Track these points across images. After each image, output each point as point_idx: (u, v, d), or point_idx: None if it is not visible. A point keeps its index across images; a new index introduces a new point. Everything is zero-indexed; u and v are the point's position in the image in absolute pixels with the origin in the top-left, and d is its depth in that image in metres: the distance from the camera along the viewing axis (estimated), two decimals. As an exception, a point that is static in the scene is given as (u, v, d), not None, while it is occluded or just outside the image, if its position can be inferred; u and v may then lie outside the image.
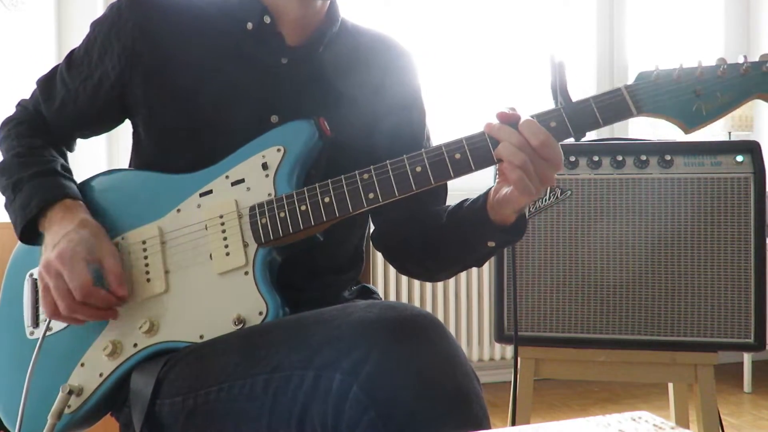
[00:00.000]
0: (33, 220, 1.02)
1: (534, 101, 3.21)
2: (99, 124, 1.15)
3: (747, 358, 3.02)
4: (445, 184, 1.17)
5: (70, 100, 1.10)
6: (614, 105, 0.92)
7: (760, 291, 1.48)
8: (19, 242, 1.11)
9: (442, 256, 1.09)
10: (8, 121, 1.15)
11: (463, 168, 0.92)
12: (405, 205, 1.03)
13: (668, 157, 1.52)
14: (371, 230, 1.20)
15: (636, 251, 1.52)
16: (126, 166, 1.16)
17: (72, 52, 1.13)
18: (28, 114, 1.15)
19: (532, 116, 0.92)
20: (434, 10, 3.16)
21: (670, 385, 1.78)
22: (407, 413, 0.72)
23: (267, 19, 1.05)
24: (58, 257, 0.94)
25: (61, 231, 0.97)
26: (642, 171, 1.53)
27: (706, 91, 0.92)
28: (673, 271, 1.51)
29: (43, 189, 1.02)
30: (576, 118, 0.92)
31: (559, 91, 0.93)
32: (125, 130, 1.17)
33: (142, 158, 1.12)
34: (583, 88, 3.27)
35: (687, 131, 0.93)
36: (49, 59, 2.34)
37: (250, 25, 1.05)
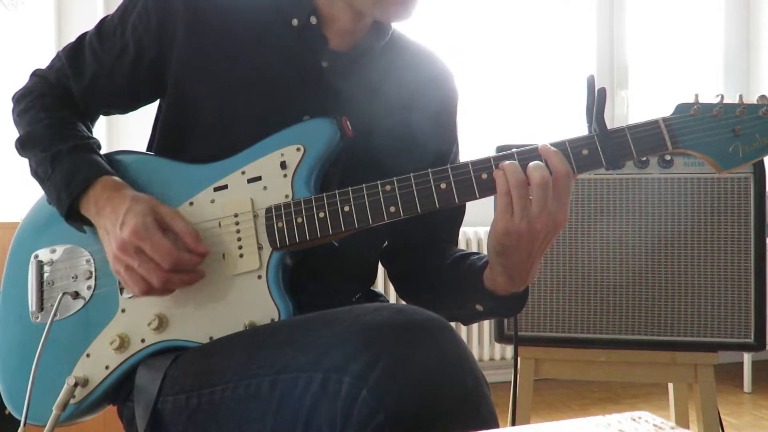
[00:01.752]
0: (78, 197, 0.97)
1: (534, 101, 3.21)
2: (132, 101, 1.10)
3: (747, 358, 3.02)
4: (461, 217, 1.16)
5: (104, 75, 1.05)
6: (650, 138, 0.89)
7: (760, 291, 1.48)
8: (24, 220, 1.09)
9: (435, 298, 1.06)
10: (27, 92, 1.08)
11: (489, 189, 0.89)
12: (420, 230, 1.02)
13: (668, 157, 1.52)
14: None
15: (636, 251, 1.52)
16: (124, 143, 1.12)
17: (104, 20, 1.07)
18: (49, 86, 1.08)
19: (565, 140, 0.90)
20: (434, 9, 3.16)
21: (670, 385, 1.79)
22: (416, 417, 0.72)
23: (313, 20, 1.02)
24: (133, 234, 0.90)
25: (120, 208, 0.93)
26: (642, 171, 1.53)
27: (746, 131, 0.88)
28: (673, 271, 1.51)
29: (86, 165, 0.98)
30: (609, 148, 0.89)
31: (595, 118, 0.90)
32: (126, 116, 1.13)
33: (166, 142, 1.07)
34: (582, 87, 3.27)
35: (721, 172, 0.90)
36: (48, 59, 2.33)
37: (295, 22, 1.02)
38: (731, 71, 3.40)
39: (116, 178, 0.98)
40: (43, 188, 1.02)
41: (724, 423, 1.56)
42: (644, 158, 0.83)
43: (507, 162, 0.88)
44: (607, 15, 3.34)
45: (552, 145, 0.89)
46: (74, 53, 1.08)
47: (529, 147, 0.90)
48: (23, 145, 1.04)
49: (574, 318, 1.54)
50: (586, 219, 1.54)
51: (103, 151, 1.07)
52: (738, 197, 1.50)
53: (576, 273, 1.54)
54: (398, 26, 1.13)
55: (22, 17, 2.44)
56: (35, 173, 1.03)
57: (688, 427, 1.73)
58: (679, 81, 3.31)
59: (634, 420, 0.56)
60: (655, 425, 0.55)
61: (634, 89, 3.27)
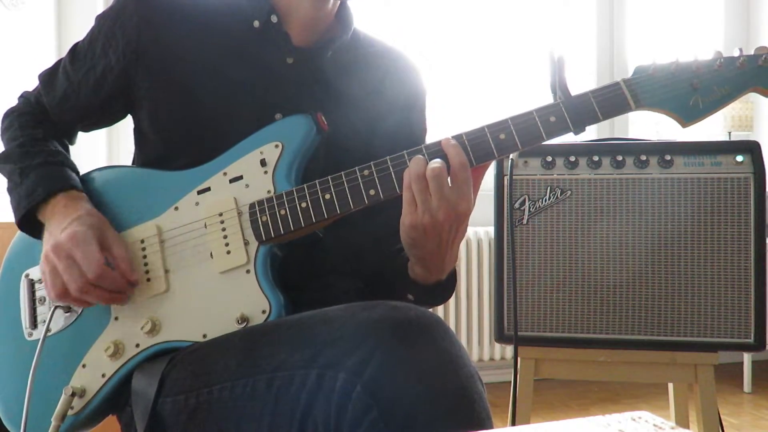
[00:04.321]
0: (35, 208, 1.01)
1: (534, 100, 3.21)
2: (101, 117, 1.14)
3: (747, 358, 3.02)
4: None
5: (73, 93, 1.10)
6: (613, 99, 0.92)
7: (760, 291, 1.48)
8: (12, 242, 1.10)
9: (378, 288, 1.09)
10: (11, 112, 1.15)
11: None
12: (379, 226, 1.05)
13: (668, 157, 1.52)
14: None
15: (636, 251, 1.52)
16: (125, 161, 1.15)
17: (76, 45, 1.12)
18: (30, 105, 1.14)
19: (532, 110, 0.93)
20: (434, 9, 3.16)
21: (670, 385, 1.78)
22: (410, 413, 0.72)
23: (274, 18, 1.04)
24: (69, 239, 0.94)
25: (69, 216, 0.97)
26: (642, 171, 1.53)
27: (703, 84, 0.92)
28: (673, 271, 1.51)
29: (50, 177, 1.02)
30: (575, 112, 0.92)
31: (558, 85, 0.93)
32: (126, 125, 1.16)
33: (144, 155, 1.11)
34: (583, 87, 3.27)
35: (684, 125, 0.93)
36: (49, 59, 2.33)
37: (257, 23, 1.05)
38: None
39: (79, 193, 1.02)
40: (10, 199, 1.05)
41: (724, 423, 1.56)
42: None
43: (413, 158, 0.91)
44: (607, 15, 3.34)
45: (520, 114, 0.93)
46: (49, 75, 1.14)
47: (433, 142, 0.93)
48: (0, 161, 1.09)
49: (574, 318, 1.54)
50: (586, 219, 1.54)
51: (102, 164, 1.10)
52: (738, 197, 1.50)
53: (576, 273, 1.54)
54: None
55: (22, 17, 2.44)
56: (7, 186, 1.07)
57: (688, 427, 1.72)
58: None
59: (634, 420, 0.56)
60: (655, 425, 0.55)
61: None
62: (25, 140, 1.08)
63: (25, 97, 1.17)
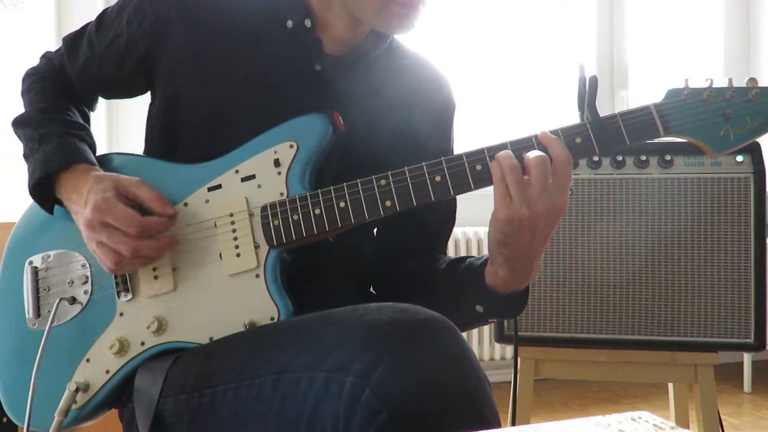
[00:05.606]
0: (50, 176, 0.99)
1: (533, 100, 3.21)
2: (122, 90, 1.12)
3: (747, 358, 3.02)
4: (453, 222, 1.16)
5: (94, 64, 1.08)
6: (642, 124, 0.89)
7: (760, 291, 1.48)
8: (15, 228, 1.08)
9: (430, 303, 1.05)
10: (32, 72, 1.12)
11: (484, 180, 0.89)
12: (412, 234, 1.02)
13: (668, 157, 1.52)
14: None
15: (636, 251, 1.52)
16: (125, 148, 1.13)
17: (104, 12, 1.09)
18: (53, 69, 1.12)
19: (558, 129, 0.90)
20: (435, 9, 3.16)
21: (670, 385, 1.78)
22: (419, 417, 0.72)
23: (308, 23, 1.01)
24: (94, 210, 0.92)
25: (83, 191, 0.95)
26: (642, 171, 1.53)
27: (736, 114, 0.88)
28: (673, 271, 1.51)
29: (69, 148, 1.00)
30: (602, 135, 0.89)
31: (587, 106, 0.90)
32: (126, 113, 1.15)
33: (157, 138, 1.08)
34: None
35: (712, 155, 0.90)
36: (49, 59, 2.34)
37: (290, 23, 1.02)
38: (731, 71, 3.39)
39: (91, 166, 1.00)
40: (27, 164, 1.03)
41: (724, 423, 1.56)
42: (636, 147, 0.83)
43: (501, 152, 0.88)
44: (607, 15, 3.34)
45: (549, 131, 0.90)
46: (73, 40, 1.11)
47: (524, 137, 0.90)
48: (17, 123, 1.07)
49: (574, 318, 1.54)
50: (586, 219, 1.54)
51: (101, 151, 1.08)
52: (738, 197, 1.50)
53: (576, 273, 1.54)
54: (400, 36, 1.11)
55: (22, 17, 2.44)
56: (24, 151, 1.05)
57: (688, 427, 1.72)
58: (679, 81, 3.31)
59: (634, 420, 0.56)
60: (655, 425, 0.55)
61: (634, 89, 3.26)
62: (48, 105, 1.06)
63: (48, 58, 1.14)
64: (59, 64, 1.12)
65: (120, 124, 2.54)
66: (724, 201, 1.50)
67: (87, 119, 1.12)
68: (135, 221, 0.92)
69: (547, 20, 3.30)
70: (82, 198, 0.95)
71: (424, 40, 3.11)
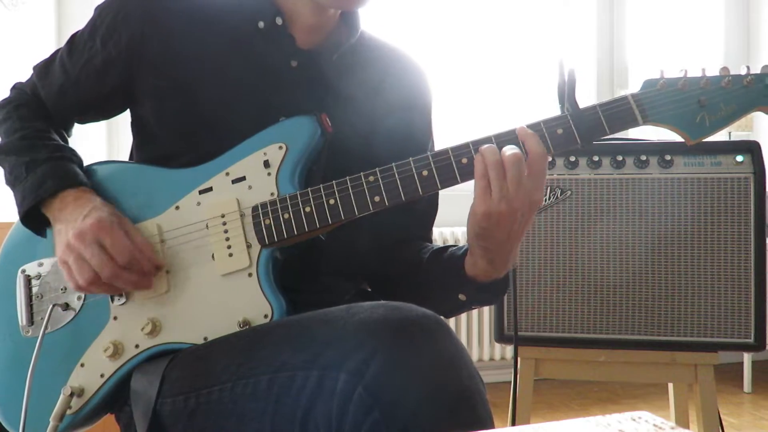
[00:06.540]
0: (41, 202, 1.00)
1: (533, 100, 3.21)
2: (100, 111, 1.13)
3: (747, 358, 3.02)
4: (435, 213, 1.18)
5: (71, 86, 1.08)
6: (620, 113, 0.92)
7: (760, 291, 1.48)
8: (7, 237, 1.09)
9: (417, 293, 1.05)
10: (5, 103, 1.12)
11: (470, 172, 0.91)
12: (396, 227, 1.04)
13: (668, 157, 1.52)
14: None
15: (636, 251, 1.52)
16: (125, 156, 1.13)
17: (74, 35, 1.09)
18: (26, 97, 1.12)
19: (540, 121, 0.92)
20: (433, 9, 3.16)
21: (670, 385, 1.78)
22: (411, 414, 0.72)
23: (279, 21, 1.03)
24: (95, 225, 0.93)
25: (85, 207, 0.96)
26: (642, 171, 1.53)
27: (710, 101, 0.92)
28: (673, 271, 1.51)
29: (59, 173, 1.00)
30: (583, 125, 0.91)
31: (567, 97, 0.93)
32: (126, 120, 1.15)
33: (144, 150, 1.09)
34: (582, 89, 3.27)
35: (690, 142, 0.93)
36: (49, 59, 2.33)
37: (261, 24, 1.04)
38: (731, 71, 3.39)
39: (88, 189, 1.01)
40: (14, 192, 1.04)
41: (724, 423, 1.56)
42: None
43: (485, 146, 0.90)
44: (607, 15, 3.34)
45: (527, 126, 0.92)
46: (45, 67, 1.12)
47: (507, 131, 0.92)
48: None
49: (574, 318, 1.54)
50: (586, 219, 1.54)
51: (100, 158, 1.09)
52: (738, 197, 1.50)
53: (576, 273, 1.54)
54: (395, 31, 1.12)
55: (22, 17, 2.44)
56: (8, 179, 1.05)
57: (688, 427, 1.72)
58: (679, 81, 3.31)
59: (634, 420, 0.56)
60: (655, 425, 0.55)
61: (634, 89, 3.26)
62: (27, 132, 1.06)
63: (18, 89, 1.14)
64: (32, 92, 1.12)
65: (120, 124, 2.54)
66: (724, 201, 1.50)
67: (66, 143, 1.12)
68: (129, 251, 0.93)
69: (547, 20, 3.30)
70: (83, 211, 0.95)
71: (423, 40, 3.11)
